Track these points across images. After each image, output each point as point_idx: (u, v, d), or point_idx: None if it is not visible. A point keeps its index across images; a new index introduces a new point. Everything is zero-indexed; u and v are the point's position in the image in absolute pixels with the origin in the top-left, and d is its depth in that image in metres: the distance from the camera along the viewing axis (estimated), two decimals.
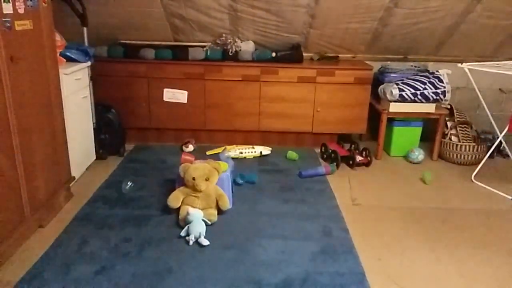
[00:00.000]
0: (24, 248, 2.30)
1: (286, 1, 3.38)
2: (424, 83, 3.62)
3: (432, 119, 3.80)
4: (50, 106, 2.60)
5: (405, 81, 3.67)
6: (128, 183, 2.98)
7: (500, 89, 4.27)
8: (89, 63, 3.23)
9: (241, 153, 3.67)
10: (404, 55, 4.18)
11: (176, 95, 3.79)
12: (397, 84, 3.63)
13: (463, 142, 3.69)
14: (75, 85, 3.01)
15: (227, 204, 2.67)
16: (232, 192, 2.87)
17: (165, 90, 3.77)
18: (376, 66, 4.02)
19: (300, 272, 2.15)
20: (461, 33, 3.79)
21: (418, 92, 3.60)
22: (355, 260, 2.26)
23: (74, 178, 2.96)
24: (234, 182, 3.07)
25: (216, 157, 3.39)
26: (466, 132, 3.78)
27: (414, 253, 2.38)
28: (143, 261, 2.21)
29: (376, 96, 3.88)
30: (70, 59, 3.07)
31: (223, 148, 3.78)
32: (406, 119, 3.78)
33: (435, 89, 3.61)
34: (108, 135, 3.54)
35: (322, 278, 2.11)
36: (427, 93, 3.60)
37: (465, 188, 3.25)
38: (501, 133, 3.37)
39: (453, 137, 3.77)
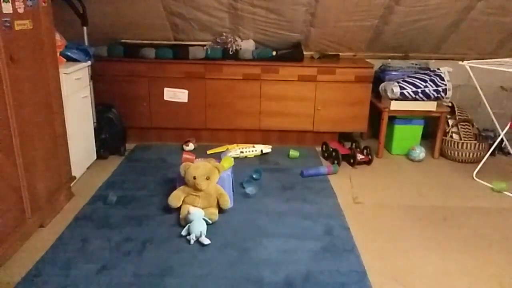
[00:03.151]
0: (25, 248, 2.30)
1: None
2: (425, 81, 3.61)
3: (433, 117, 3.78)
4: (50, 106, 2.60)
5: (406, 79, 3.66)
6: (111, 197, 2.83)
7: (501, 86, 4.26)
8: (89, 62, 3.23)
9: (242, 152, 3.66)
10: (405, 53, 4.17)
11: (176, 94, 3.78)
12: (398, 82, 3.62)
13: (464, 140, 3.68)
14: (75, 85, 3.01)
15: (228, 203, 2.66)
16: (233, 191, 2.86)
17: (166, 89, 3.77)
18: (377, 64, 4.01)
19: (302, 271, 2.14)
20: (462, 30, 3.77)
21: (419, 90, 3.59)
22: (356, 259, 2.26)
23: (74, 177, 2.96)
24: (247, 181, 3.09)
25: (218, 156, 3.40)
26: (467, 130, 3.77)
27: (416, 251, 2.37)
28: (144, 260, 2.20)
29: (377, 94, 3.87)
30: (70, 59, 3.07)
31: (225, 147, 3.78)
32: (407, 117, 3.77)
33: (436, 87, 3.60)
34: (109, 134, 3.54)
35: (324, 276, 2.10)
36: (428, 91, 3.59)
37: (466, 186, 3.25)
38: (502, 131, 3.36)
39: (454, 135, 3.76)
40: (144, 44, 3.85)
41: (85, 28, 3.37)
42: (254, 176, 3.19)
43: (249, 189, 2.95)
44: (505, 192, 3.11)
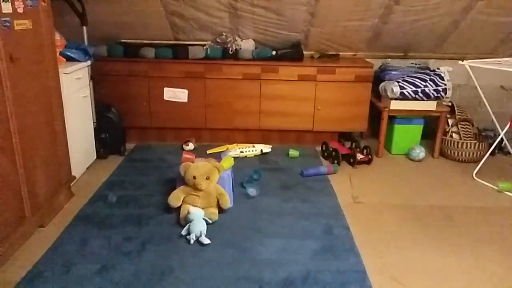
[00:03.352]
0: (25, 248, 2.30)
1: None
2: (425, 81, 3.61)
3: (433, 117, 3.78)
4: (50, 106, 2.59)
5: (406, 79, 3.66)
6: (111, 197, 2.85)
7: (501, 86, 4.26)
8: (89, 62, 3.23)
9: (242, 152, 3.66)
10: (405, 53, 4.17)
11: (176, 94, 3.78)
12: (398, 82, 3.62)
13: (464, 140, 3.68)
14: (75, 85, 3.01)
15: (227, 202, 2.66)
16: (233, 191, 2.86)
17: (166, 89, 3.77)
18: (377, 64, 4.01)
19: (301, 271, 2.14)
20: (461, 30, 3.77)
21: (419, 90, 3.59)
22: (356, 258, 2.26)
23: (74, 177, 2.96)
24: (247, 181, 3.09)
25: (217, 156, 3.39)
26: (467, 129, 3.77)
27: (416, 250, 2.37)
28: (144, 260, 2.20)
29: (377, 94, 3.87)
30: (70, 59, 3.07)
31: (225, 147, 3.78)
32: (407, 117, 3.77)
33: (436, 86, 3.60)
34: (109, 134, 3.54)
35: (323, 276, 2.10)
36: (428, 91, 3.59)
37: (466, 185, 3.25)
38: (502, 130, 3.36)
39: (454, 135, 3.76)
40: (143, 43, 3.84)
41: (84, 28, 3.37)
42: (254, 176, 3.19)
43: (250, 190, 2.95)
44: (506, 192, 3.11)
